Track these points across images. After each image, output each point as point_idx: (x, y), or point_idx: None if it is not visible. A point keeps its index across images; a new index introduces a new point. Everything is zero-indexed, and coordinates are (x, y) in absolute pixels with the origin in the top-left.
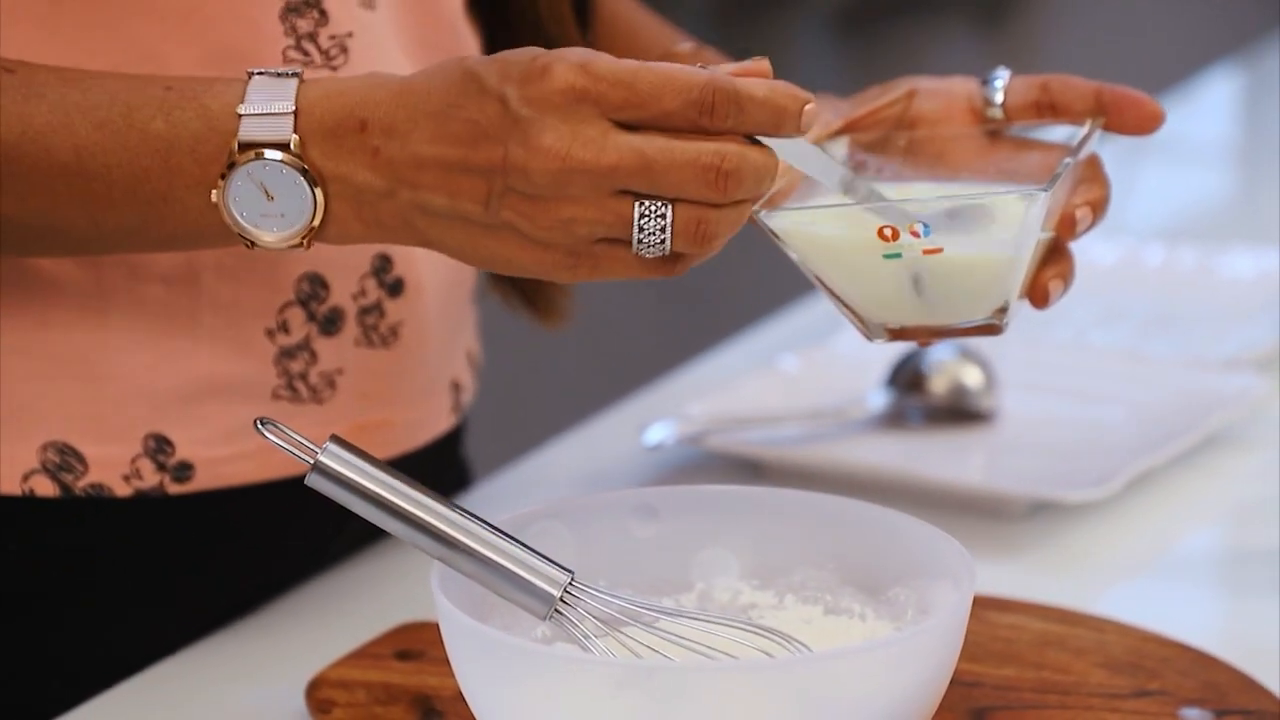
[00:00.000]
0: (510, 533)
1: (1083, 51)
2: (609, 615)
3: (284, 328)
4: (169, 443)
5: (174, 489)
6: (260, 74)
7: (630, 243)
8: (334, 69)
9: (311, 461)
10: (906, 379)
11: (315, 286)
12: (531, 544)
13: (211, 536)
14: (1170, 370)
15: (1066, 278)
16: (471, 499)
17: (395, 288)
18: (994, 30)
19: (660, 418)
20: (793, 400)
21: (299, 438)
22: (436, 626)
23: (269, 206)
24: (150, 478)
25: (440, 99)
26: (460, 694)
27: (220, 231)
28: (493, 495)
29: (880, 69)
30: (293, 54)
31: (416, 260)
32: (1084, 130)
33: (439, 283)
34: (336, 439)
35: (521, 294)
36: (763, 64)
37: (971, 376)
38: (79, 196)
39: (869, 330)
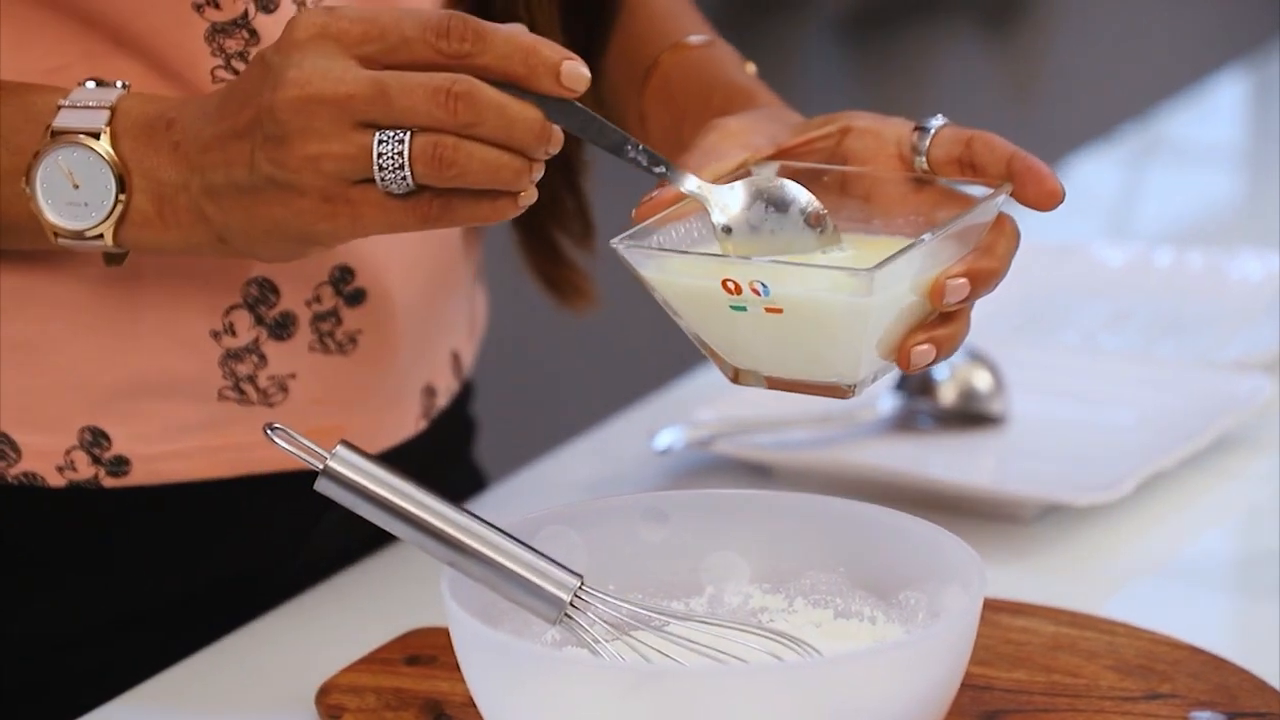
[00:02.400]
0: (520, 537)
1: (1090, 54)
2: (619, 619)
3: (230, 330)
4: (105, 436)
5: (109, 482)
6: (94, 81)
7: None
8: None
9: (320, 466)
10: (916, 382)
11: (264, 291)
12: (541, 548)
13: (145, 532)
14: (1180, 372)
15: (940, 344)
16: (481, 503)
17: (355, 297)
18: (1002, 33)
19: (670, 422)
20: (802, 404)
21: (307, 442)
22: (447, 631)
23: (74, 195)
24: (85, 470)
25: (228, 85)
26: (471, 699)
27: (31, 223)
28: (503, 499)
29: (888, 72)
30: (222, 74)
31: (384, 272)
32: (987, 195)
33: (413, 293)
34: (346, 444)
35: (541, 277)
36: (520, 25)
37: (981, 380)
38: None
39: (722, 369)
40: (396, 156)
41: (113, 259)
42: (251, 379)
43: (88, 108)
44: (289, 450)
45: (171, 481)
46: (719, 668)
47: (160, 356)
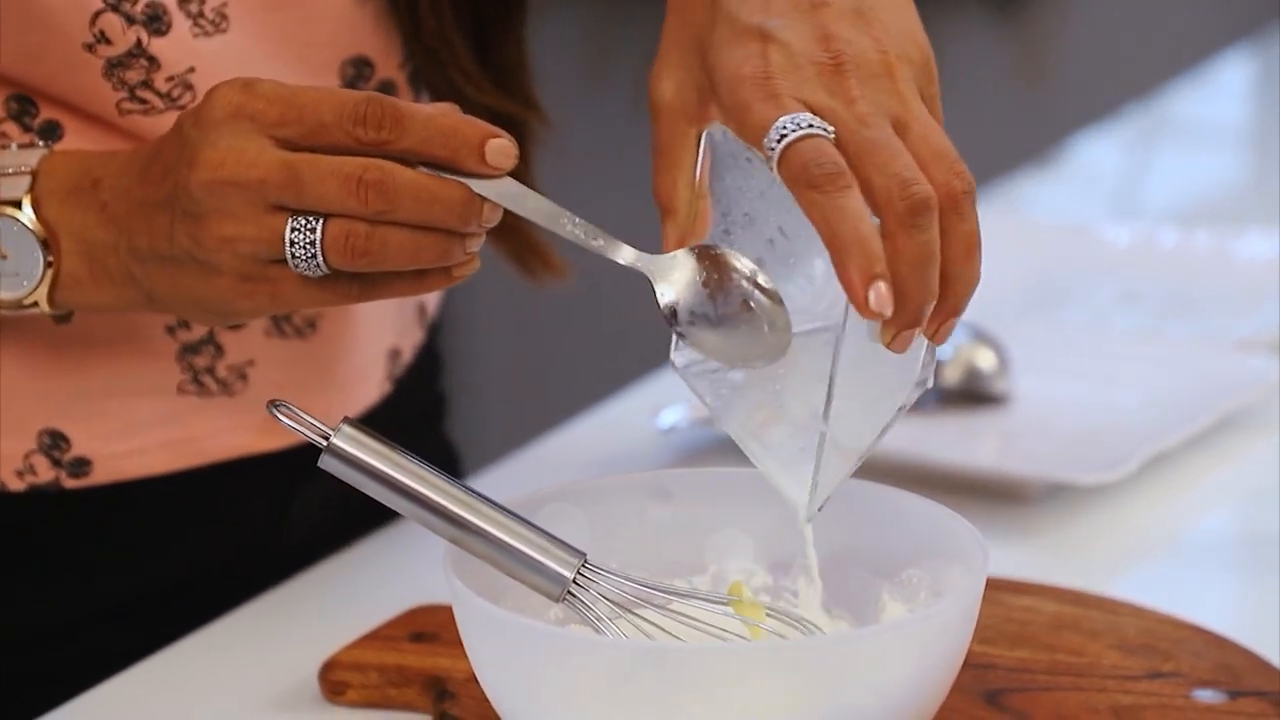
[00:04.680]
0: (523, 515)
1: (1096, 35)
2: (622, 597)
3: (184, 324)
4: (64, 438)
5: (70, 484)
6: (15, 143)
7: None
8: (182, 108)
9: (324, 443)
10: None
11: None
12: (544, 526)
13: (111, 529)
14: (1185, 353)
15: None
16: (485, 480)
17: None
18: (1008, 14)
19: (674, 401)
20: None
21: (311, 419)
22: (450, 609)
23: (4, 265)
24: (45, 473)
25: (153, 147)
26: (473, 676)
27: None
28: (506, 477)
29: None
30: (129, 105)
31: None
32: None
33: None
34: (349, 421)
35: (507, 253)
36: (448, 105)
37: (985, 359)
38: None
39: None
40: (309, 245)
41: (58, 319)
42: (210, 370)
43: (6, 175)
44: (293, 427)
45: (135, 478)
46: (722, 646)
47: (116, 356)
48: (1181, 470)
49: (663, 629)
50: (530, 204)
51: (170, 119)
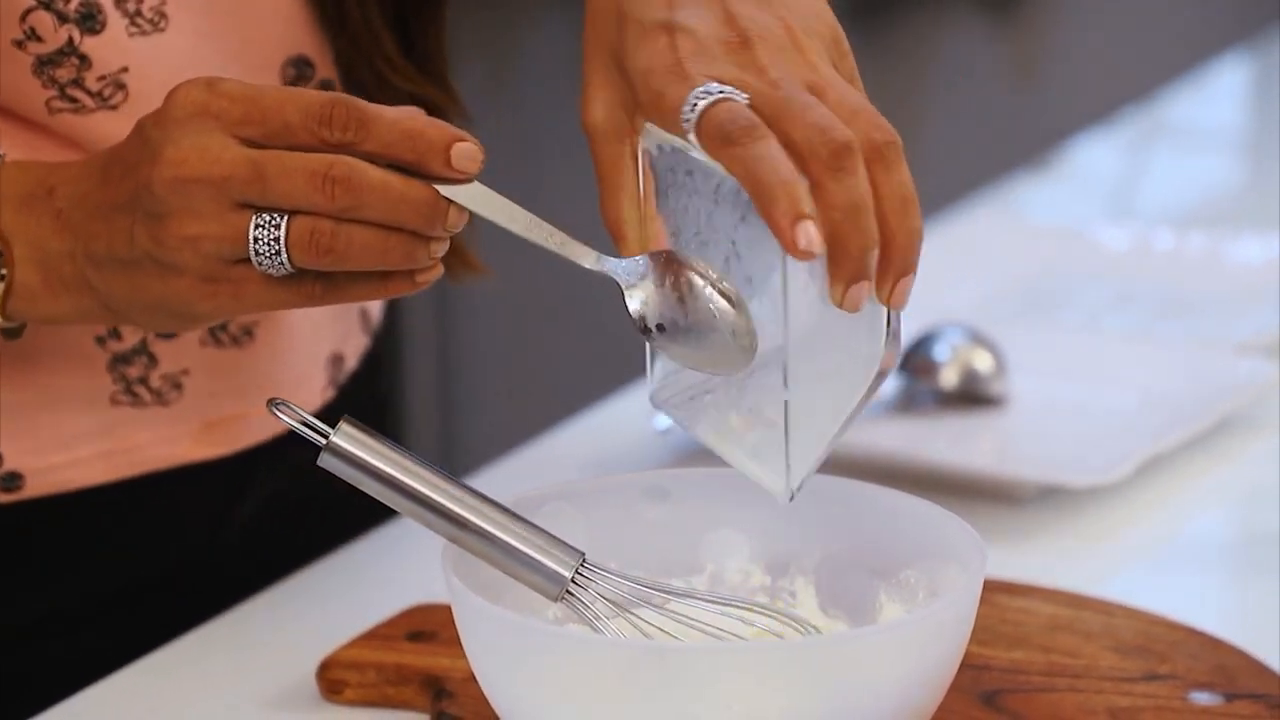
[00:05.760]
0: (521, 514)
1: (1092, 38)
2: (620, 597)
3: (114, 334)
4: None
5: (2, 498)
6: None
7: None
8: (113, 108)
9: (324, 442)
10: (917, 363)
11: None
12: (543, 525)
13: (47, 542)
14: (1180, 355)
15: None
16: (483, 480)
17: None
18: (1004, 16)
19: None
20: None
21: (310, 418)
22: (448, 608)
23: None
24: None
25: (111, 151)
26: (471, 675)
27: None
28: (504, 477)
29: (890, 56)
30: (59, 104)
31: None
32: None
33: None
34: (349, 419)
35: None
36: (413, 109)
37: (982, 361)
38: None
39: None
40: (273, 242)
41: (9, 334)
42: (143, 380)
43: None
44: (293, 426)
45: (68, 490)
46: (719, 645)
47: (46, 369)
48: (1178, 472)
49: (660, 628)
50: (496, 207)
51: (101, 119)
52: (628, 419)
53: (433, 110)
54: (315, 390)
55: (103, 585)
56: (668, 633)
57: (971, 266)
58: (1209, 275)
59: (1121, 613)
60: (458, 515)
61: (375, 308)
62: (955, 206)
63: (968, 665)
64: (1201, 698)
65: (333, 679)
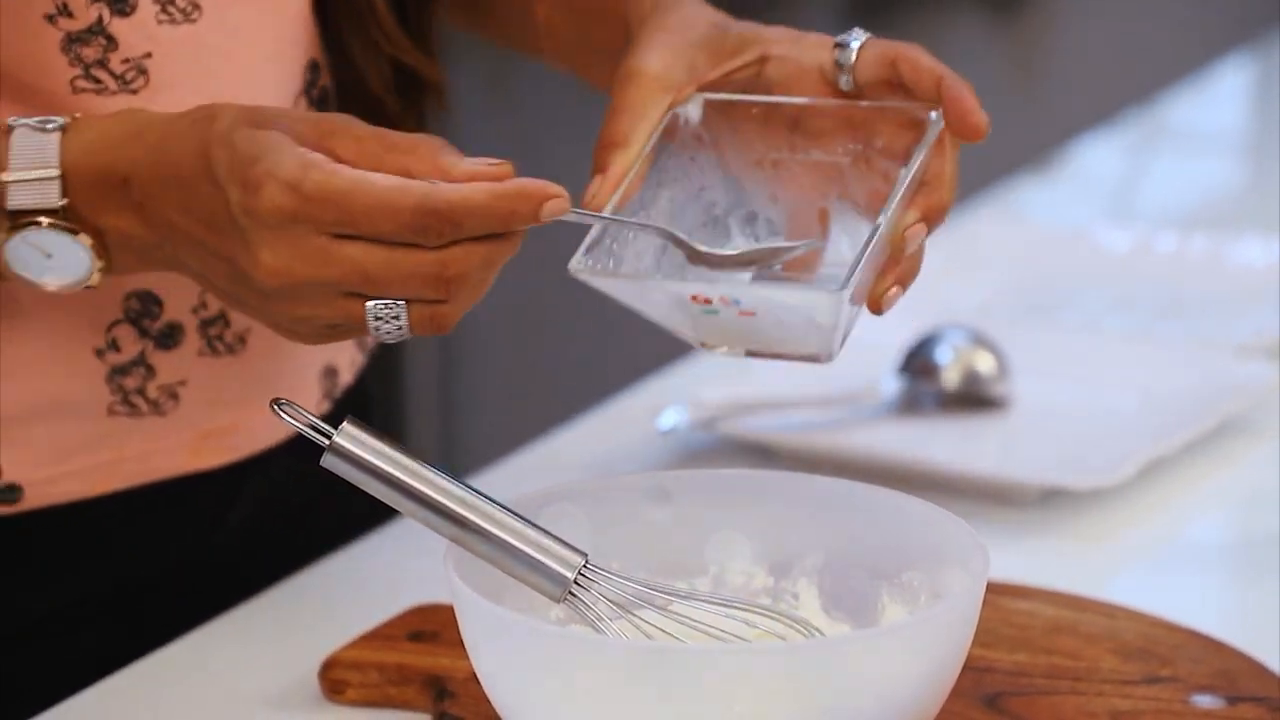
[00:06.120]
0: (524, 515)
1: (1095, 40)
2: (622, 598)
3: (114, 346)
4: None
5: (2, 510)
6: (21, 125)
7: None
8: (133, 92)
9: (327, 442)
10: (919, 365)
11: (147, 304)
12: (545, 526)
13: (44, 552)
14: (1182, 357)
15: (905, 282)
16: (486, 481)
17: None
18: (1006, 18)
19: (674, 402)
20: (806, 386)
21: (313, 419)
22: (450, 608)
23: (49, 263)
24: None
25: (188, 170)
26: (473, 675)
27: (8, 276)
28: (506, 478)
29: None
30: (83, 83)
31: None
32: (925, 139)
33: None
34: (352, 420)
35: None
36: (503, 168)
37: (984, 363)
38: None
39: (691, 341)
40: (396, 327)
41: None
42: (140, 391)
43: (36, 180)
44: (296, 426)
45: (66, 501)
46: (721, 647)
47: (45, 381)
48: (1179, 474)
49: (663, 630)
50: (604, 220)
51: (121, 102)
52: (631, 420)
53: (420, 82)
54: (310, 402)
55: (103, 586)
56: (670, 634)
57: (973, 268)
58: (1210, 277)
59: (1123, 615)
60: (460, 516)
61: None
62: (957, 208)
63: (970, 667)
64: (1203, 700)
65: (335, 679)
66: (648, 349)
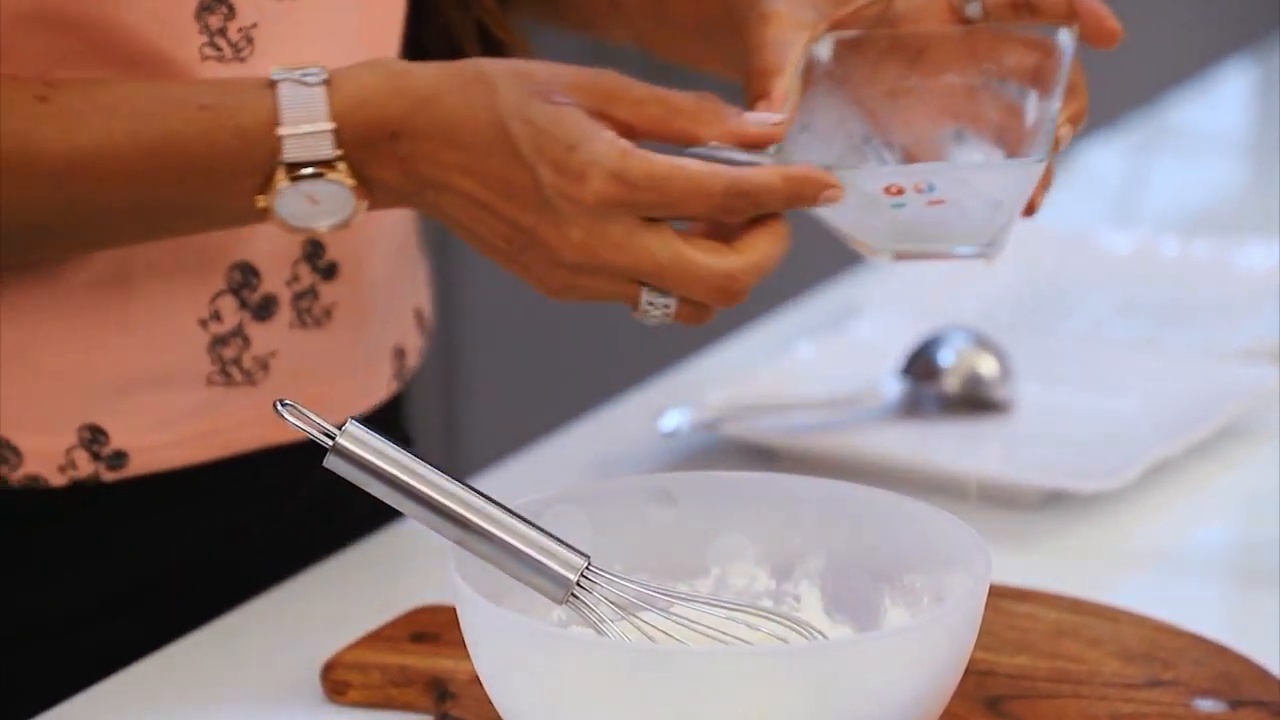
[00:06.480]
0: (527, 516)
1: None
2: (625, 600)
3: (216, 316)
4: (103, 432)
5: (109, 476)
6: (285, 80)
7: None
8: (242, 60)
9: (330, 443)
10: (922, 368)
11: (246, 275)
12: (548, 528)
13: (144, 518)
14: (1185, 361)
15: (1048, 184)
16: (489, 482)
17: (329, 271)
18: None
19: (677, 404)
20: (808, 388)
21: (317, 419)
22: (452, 609)
23: (315, 209)
24: (85, 467)
25: (480, 138)
26: (475, 677)
27: (262, 221)
28: (509, 479)
29: None
30: (208, 50)
31: (351, 242)
32: (1067, 39)
33: (378, 258)
34: (355, 421)
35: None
36: (780, 127)
37: (987, 366)
38: (126, 215)
39: (864, 250)
40: (662, 315)
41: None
42: (236, 361)
43: (310, 134)
44: (299, 427)
45: (167, 469)
46: (723, 649)
47: (152, 350)
48: (1182, 478)
49: (665, 632)
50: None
51: (232, 71)
52: (633, 421)
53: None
54: (383, 379)
55: (102, 587)
56: (672, 636)
57: (976, 271)
58: (1214, 281)
59: (1126, 619)
60: (463, 517)
61: (429, 309)
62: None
63: (972, 671)
64: (1205, 705)
65: (337, 680)
66: (650, 350)
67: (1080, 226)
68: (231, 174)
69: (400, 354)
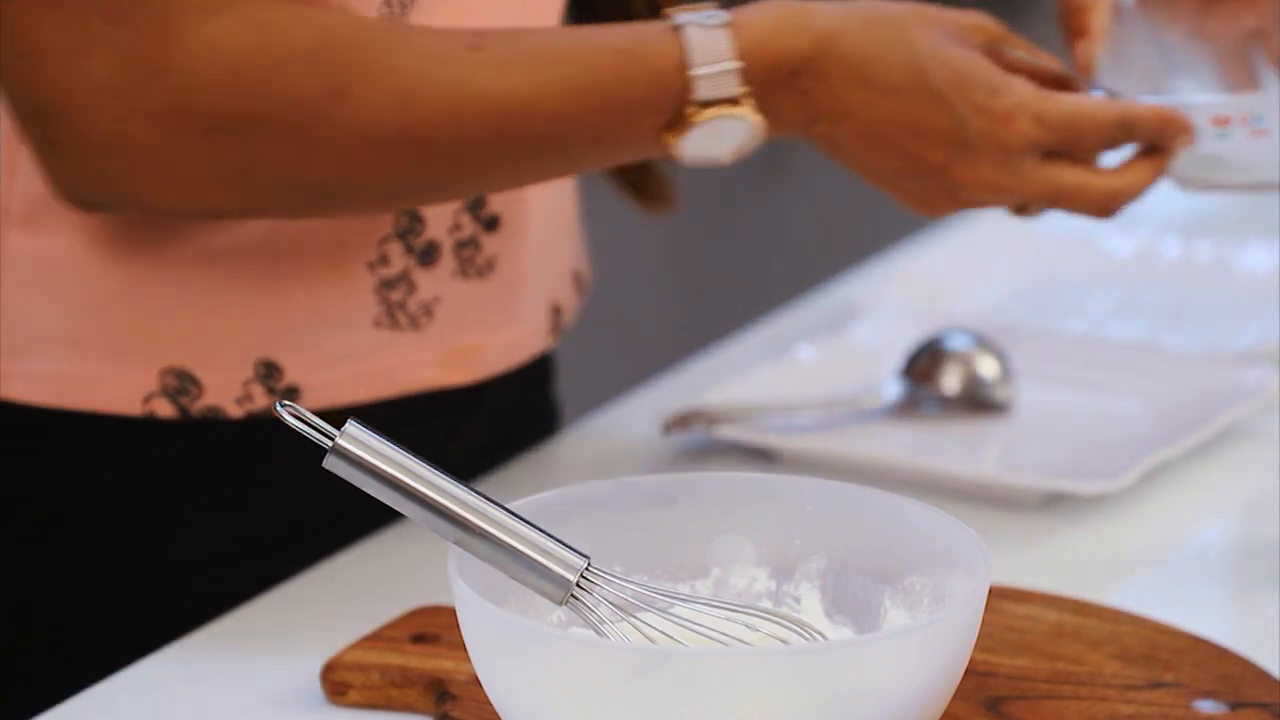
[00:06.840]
0: (527, 517)
1: None
2: (625, 601)
3: (384, 260)
4: (278, 368)
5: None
6: (689, 24)
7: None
8: (405, 8)
9: (329, 443)
10: (922, 369)
11: (411, 220)
12: (548, 529)
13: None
14: (1186, 363)
15: None
16: (489, 483)
17: (491, 223)
18: (1011, 24)
19: (677, 404)
20: (808, 389)
21: (316, 420)
22: (452, 610)
23: (716, 143)
24: (260, 400)
25: (876, 71)
26: (475, 678)
27: (655, 153)
28: (510, 480)
29: None
30: (385, 9)
31: (512, 198)
32: None
33: (541, 216)
34: (355, 421)
35: (627, 181)
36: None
37: (987, 367)
38: (546, 152)
39: (1177, 181)
40: (1036, 213)
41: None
42: (402, 305)
43: (719, 74)
44: (298, 427)
45: (335, 406)
46: (723, 650)
47: (323, 290)
48: (1182, 480)
49: (665, 633)
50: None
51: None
52: (633, 423)
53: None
54: (540, 334)
55: (104, 586)
56: (672, 637)
57: (977, 272)
58: (1215, 283)
59: (1126, 620)
60: (463, 518)
61: (586, 270)
62: (961, 211)
63: (972, 672)
64: (1205, 706)
65: (337, 681)
66: (651, 352)
67: (1081, 227)
68: (645, 112)
69: (557, 311)
